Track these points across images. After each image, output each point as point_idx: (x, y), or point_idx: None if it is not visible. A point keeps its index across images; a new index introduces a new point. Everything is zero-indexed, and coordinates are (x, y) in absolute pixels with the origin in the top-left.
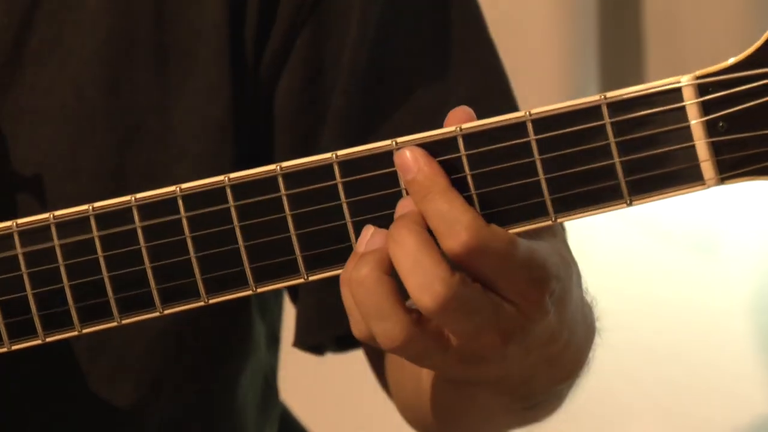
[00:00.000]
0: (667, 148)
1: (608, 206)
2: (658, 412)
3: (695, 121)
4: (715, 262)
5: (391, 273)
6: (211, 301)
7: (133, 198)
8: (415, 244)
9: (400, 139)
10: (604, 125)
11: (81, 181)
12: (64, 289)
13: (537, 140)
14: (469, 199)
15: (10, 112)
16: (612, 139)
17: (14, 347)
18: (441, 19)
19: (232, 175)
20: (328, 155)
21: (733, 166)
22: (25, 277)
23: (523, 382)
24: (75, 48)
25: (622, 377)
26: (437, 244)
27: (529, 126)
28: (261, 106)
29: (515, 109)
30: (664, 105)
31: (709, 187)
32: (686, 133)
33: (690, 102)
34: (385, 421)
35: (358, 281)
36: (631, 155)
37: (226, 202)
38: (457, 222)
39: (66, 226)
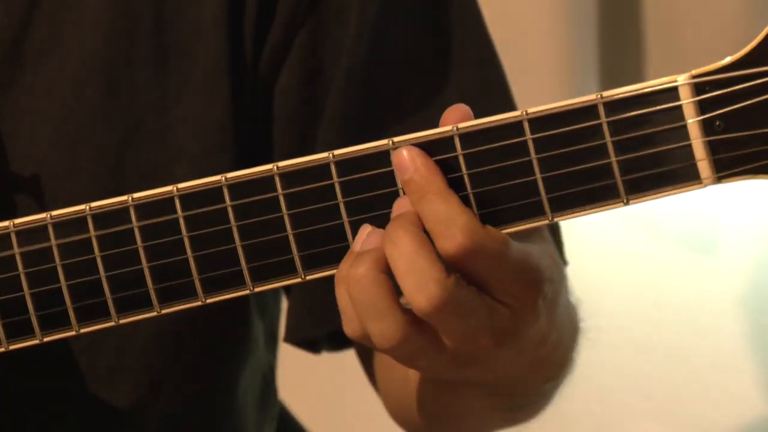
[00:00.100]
0: (663, 147)
1: (605, 205)
2: (657, 411)
3: (692, 121)
4: (713, 261)
5: (388, 273)
6: (208, 301)
7: (130, 198)
8: (412, 245)
9: (396, 139)
10: (600, 124)
11: (80, 181)
12: (62, 289)
13: (534, 139)
14: (465, 199)
15: (10, 112)
16: (609, 139)
17: (12, 347)
18: (439, 17)
19: (229, 174)
20: (324, 155)
21: (730, 165)
22: (23, 277)
23: (512, 383)
24: (74, 47)
25: (620, 377)
26: (433, 245)
27: (526, 125)
28: (260, 106)
29: (513, 107)
30: (660, 104)
31: (705, 186)
32: (683, 133)
33: (686, 101)
34: (383, 420)
35: (354, 280)
36: (628, 154)
37: (223, 201)
38: (453, 223)
39: (63, 226)
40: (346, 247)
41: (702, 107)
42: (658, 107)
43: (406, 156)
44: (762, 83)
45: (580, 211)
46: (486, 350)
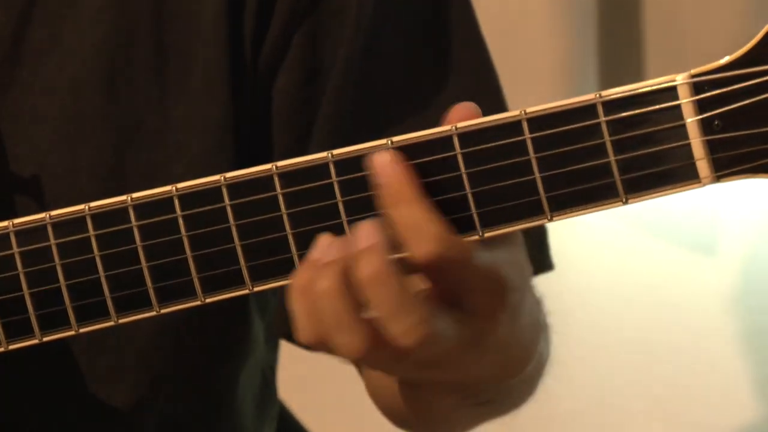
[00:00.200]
0: (662, 147)
1: (604, 204)
2: (656, 411)
3: (690, 120)
4: (712, 261)
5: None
6: (207, 301)
7: (129, 198)
8: (398, 285)
9: (395, 138)
10: (599, 124)
11: (80, 180)
12: (61, 289)
13: (532, 139)
14: (464, 198)
15: (9, 111)
16: (607, 138)
17: (11, 347)
18: (435, 19)
19: (228, 174)
20: (323, 154)
21: (729, 164)
22: (22, 277)
23: (473, 382)
24: (74, 46)
25: (619, 377)
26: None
27: (525, 125)
28: (260, 106)
29: (503, 108)
30: (659, 103)
31: (704, 185)
32: (681, 132)
33: (685, 100)
34: (382, 419)
35: (319, 294)
36: (627, 154)
37: (222, 201)
38: (424, 232)
39: (62, 226)
40: None
41: (701, 106)
42: (657, 106)
43: (381, 161)
44: (760, 82)
45: (579, 211)
46: (449, 357)
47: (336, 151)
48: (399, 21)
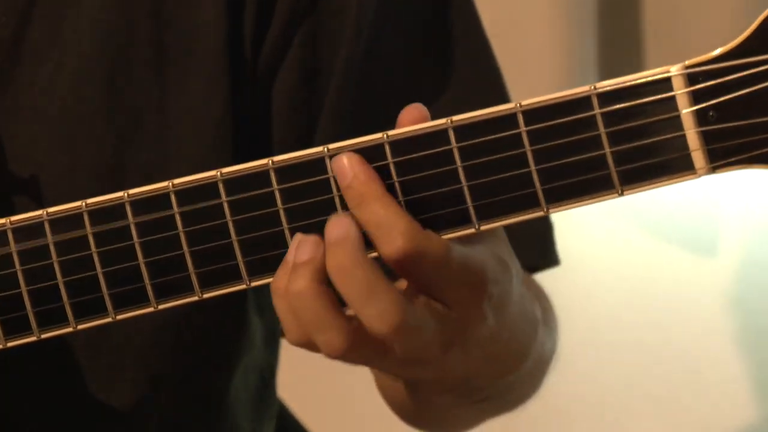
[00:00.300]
0: (657, 138)
1: (599, 196)
2: (656, 411)
3: (685, 111)
4: (711, 261)
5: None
6: (205, 296)
7: (125, 194)
8: (366, 273)
9: (391, 132)
10: (594, 116)
11: (79, 180)
12: (59, 285)
13: (528, 131)
14: (460, 192)
15: (8, 111)
16: (602, 130)
17: (10, 344)
18: (436, 16)
19: (225, 170)
20: (319, 149)
21: (724, 155)
22: (19, 274)
23: (461, 381)
24: (73, 46)
25: (620, 376)
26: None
27: (520, 117)
28: (260, 105)
29: (507, 101)
30: (654, 95)
31: (699, 176)
32: (676, 123)
33: (680, 92)
34: (382, 418)
35: (295, 294)
36: (622, 145)
37: (219, 197)
38: (393, 228)
39: (59, 223)
40: None
41: (695, 97)
42: (652, 98)
43: (345, 163)
44: (755, 73)
45: (575, 203)
46: (433, 352)
47: (332, 146)
48: (400, 20)
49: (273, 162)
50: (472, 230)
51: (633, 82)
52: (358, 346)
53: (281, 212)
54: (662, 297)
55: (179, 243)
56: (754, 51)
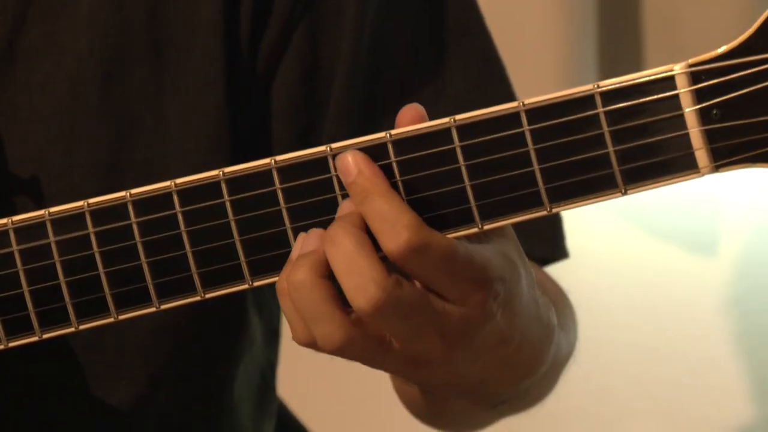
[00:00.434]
0: (661, 137)
1: (603, 195)
2: (656, 411)
3: (689, 109)
4: (712, 261)
5: (329, 275)
6: (207, 296)
7: (128, 194)
8: (351, 244)
9: (394, 132)
10: (597, 114)
11: (77, 177)
12: (61, 286)
13: (531, 130)
14: (462, 191)
15: (5, 109)
16: (606, 128)
17: (11, 344)
18: (437, 11)
19: (227, 169)
20: (321, 148)
21: (727, 153)
22: (21, 274)
23: (476, 385)
24: (70, 45)
25: (620, 376)
26: (377, 249)
27: (523, 116)
28: (258, 102)
29: (512, 96)
30: (657, 93)
31: (703, 175)
32: (680, 122)
33: (683, 90)
34: (382, 417)
35: (294, 285)
36: (625, 144)
37: (221, 196)
38: (398, 221)
39: (61, 223)
40: None
41: (699, 96)
42: (655, 96)
43: (350, 160)
44: (759, 71)
45: (578, 202)
46: (436, 351)
47: (335, 145)
48: (402, 16)
49: (275, 161)
50: (475, 229)
51: (636, 81)
52: (355, 340)
53: (284, 211)
54: (662, 297)
55: (182, 243)
56: (757, 49)
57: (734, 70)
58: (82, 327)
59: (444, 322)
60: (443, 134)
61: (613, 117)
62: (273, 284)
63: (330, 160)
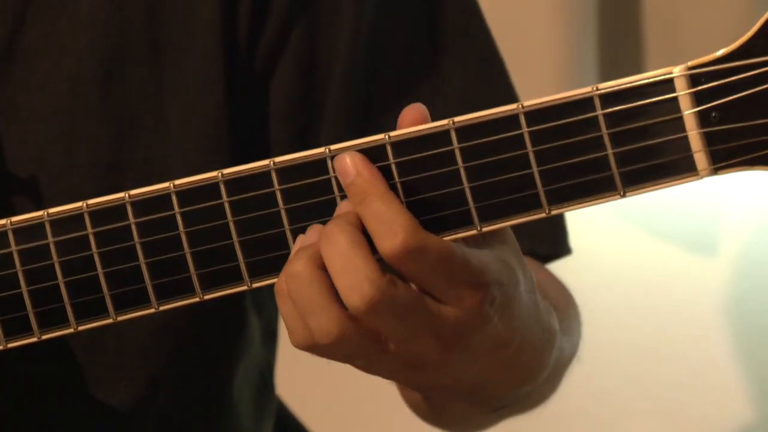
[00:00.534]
0: (660, 139)
1: (602, 197)
2: (657, 411)
3: (688, 112)
4: (712, 261)
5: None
6: (206, 297)
7: (126, 195)
8: (347, 243)
9: (393, 133)
10: (596, 117)
11: (76, 177)
12: (59, 286)
13: (530, 132)
14: (461, 193)
15: (5, 109)
16: (605, 131)
17: (10, 345)
18: (435, 9)
19: (226, 170)
20: (321, 150)
21: (726, 156)
22: (20, 275)
23: (474, 388)
24: (69, 45)
25: (620, 376)
26: (372, 248)
27: (522, 118)
28: (256, 101)
29: (511, 93)
30: (656, 96)
31: (702, 177)
32: (679, 124)
33: (682, 93)
34: (381, 417)
35: (291, 276)
36: (624, 146)
37: (220, 197)
38: (395, 222)
39: (60, 224)
40: None
41: (698, 98)
42: (654, 99)
43: (348, 161)
44: (757, 74)
45: (576, 204)
46: (432, 352)
47: (333, 146)
48: (400, 15)
49: (274, 163)
50: (474, 231)
51: (635, 83)
52: (350, 335)
53: (282, 213)
54: (662, 297)
55: (180, 244)
56: (757, 52)
57: (733, 72)
58: (81, 328)
59: (439, 324)
60: (442, 136)
61: (612, 119)
62: (271, 285)
63: (329, 162)
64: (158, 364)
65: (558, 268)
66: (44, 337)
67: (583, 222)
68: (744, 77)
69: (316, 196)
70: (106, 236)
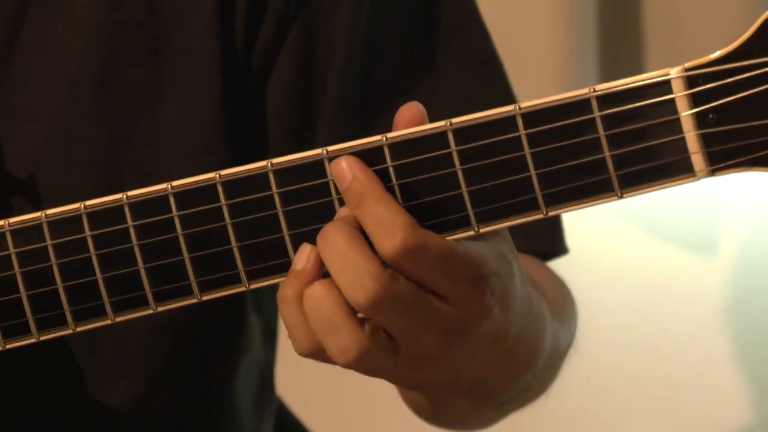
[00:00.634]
0: (657, 141)
1: (599, 199)
2: (657, 411)
3: (685, 113)
4: (712, 261)
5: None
6: (204, 298)
7: (124, 196)
8: (345, 242)
9: (390, 135)
10: (594, 119)
11: (74, 177)
12: (58, 288)
13: (527, 134)
14: (459, 196)
15: (3, 109)
16: (602, 132)
17: (9, 346)
18: (432, 9)
19: (223, 171)
20: (318, 151)
21: (723, 157)
22: (18, 276)
23: (475, 383)
24: (67, 45)
25: (620, 376)
26: (372, 251)
27: (519, 120)
28: (254, 101)
29: (510, 97)
30: (653, 97)
31: (699, 179)
32: (676, 126)
33: (679, 94)
34: (381, 416)
35: (309, 296)
36: (622, 148)
37: (218, 199)
38: (393, 223)
39: (58, 225)
40: None
41: (695, 100)
42: (651, 100)
43: (345, 165)
44: (755, 75)
45: (574, 206)
46: (434, 347)
47: (331, 148)
48: (397, 14)
49: (272, 164)
50: (471, 233)
51: (632, 85)
52: (370, 350)
53: (280, 215)
54: (662, 297)
55: (178, 245)
56: (753, 53)
57: (730, 74)
58: (79, 329)
59: (441, 317)
60: (439, 138)
61: (610, 121)
62: (270, 285)
63: (326, 163)
64: (157, 364)
65: (558, 268)
66: (43, 337)
67: (583, 222)
68: (741, 78)
69: (313, 199)
70: (104, 238)
